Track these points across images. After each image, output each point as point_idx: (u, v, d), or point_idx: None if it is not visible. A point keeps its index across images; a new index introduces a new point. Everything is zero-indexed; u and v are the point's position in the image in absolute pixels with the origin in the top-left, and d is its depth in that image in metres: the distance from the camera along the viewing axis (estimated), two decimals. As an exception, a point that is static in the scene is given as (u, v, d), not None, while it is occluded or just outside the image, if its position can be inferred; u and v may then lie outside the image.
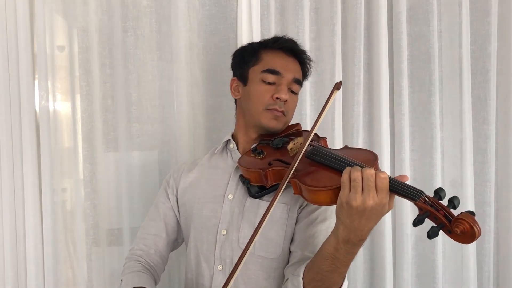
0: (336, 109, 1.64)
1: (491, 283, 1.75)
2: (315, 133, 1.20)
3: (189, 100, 1.67)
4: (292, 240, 1.14)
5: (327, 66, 1.66)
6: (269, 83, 1.19)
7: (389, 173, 1.63)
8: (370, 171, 0.85)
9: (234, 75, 1.30)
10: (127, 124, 1.64)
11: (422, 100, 1.70)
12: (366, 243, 1.71)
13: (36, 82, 1.58)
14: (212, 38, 1.67)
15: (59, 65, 1.62)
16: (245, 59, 1.25)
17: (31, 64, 1.57)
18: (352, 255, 0.92)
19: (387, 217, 1.65)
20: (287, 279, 1.07)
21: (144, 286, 1.12)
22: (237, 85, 1.27)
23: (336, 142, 1.64)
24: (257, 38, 1.62)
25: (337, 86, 1.11)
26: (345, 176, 0.87)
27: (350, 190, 0.86)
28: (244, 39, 1.60)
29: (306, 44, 1.64)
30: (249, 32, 1.61)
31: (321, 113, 1.06)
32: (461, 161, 1.70)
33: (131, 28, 1.63)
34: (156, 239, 1.27)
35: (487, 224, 1.73)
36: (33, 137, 1.57)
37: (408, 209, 1.67)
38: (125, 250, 1.62)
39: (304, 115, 1.64)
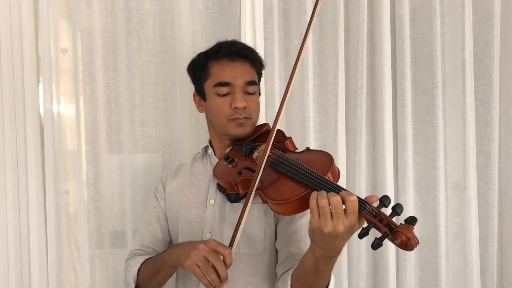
0: (339, 112, 1.65)
1: (495, 286, 1.74)
2: (282, 133, 1.23)
3: (192, 103, 1.65)
4: (276, 239, 1.19)
5: (330, 69, 1.66)
6: (224, 95, 1.21)
7: (392, 176, 1.65)
8: (337, 198, 0.85)
9: (194, 89, 1.33)
10: (131, 127, 1.65)
11: (425, 102, 1.70)
12: (369, 246, 1.70)
13: (41, 84, 1.59)
14: (215, 41, 1.62)
15: (63, 68, 1.63)
16: (197, 75, 1.28)
17: (35, 66, 1.58)
18: (332, 263, 0.96)
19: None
20: (278, 285, 1.13)
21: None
22: (199, 99, 1.31)
23: (339, 145, 1.64)
24: (260, 41, 1.62)
25: None
26: (312, 202, 0.88)
27: (319, 217, 0.86)
28: (247, 42, 1.60)
29: (309, 47, 1.64)
30: (252, 35, 1.61)
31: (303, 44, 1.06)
32: (464, 163, 1.69)
33: (134, 31, 1.64)
34: (152, 240, 1.31)
35: (490, 227, 1.72)
36: (37, 140, 1.58)
37: (411, 211, 1.67)
38: (129, 252, 1.62)
39: (307, 118, 1.64)
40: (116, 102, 1.64)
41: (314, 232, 0.88)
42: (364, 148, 1.68)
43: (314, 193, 0.89)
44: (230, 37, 1.64)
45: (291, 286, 1.04)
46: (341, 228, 0.85)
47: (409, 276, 1.67)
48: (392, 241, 0.85)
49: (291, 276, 1.04)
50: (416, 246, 0.83)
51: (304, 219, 1.14)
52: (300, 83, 1.64)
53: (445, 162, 1.72)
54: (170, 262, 1.09)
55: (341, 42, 1.64)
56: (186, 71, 1.34)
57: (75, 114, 1.62)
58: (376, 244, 0.85)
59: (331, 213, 0.85)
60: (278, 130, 1.21)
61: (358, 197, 0.87)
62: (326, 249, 0.89)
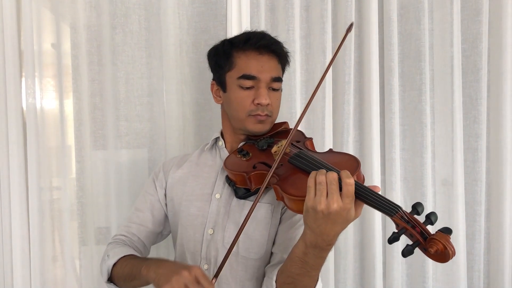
0: (326, 108, 1.63)
1: (481, 282, 1.75)
2: (302, 134, 1.20)
3: (178, 98, 1.65)
4: (274, 241, 1.14)
5: (317, 64, 1.65)
6: (248, 88, 1.17)
7: (379, 173, 1.65)
8: (333, 175, 0.84)
9: (213, 77, 1.28)
10: (116, 122, 1.62)
11: (413, 99, 1.70)
12: (357, 242, 1.71)
13: (23, 79, 1.56)
14: (201, 35, 1.65)
15: (47, 62, 1.60)
16: (219, 63, 1.22)
17: (17, 61, 1.54)
18: (321, 259, 0.92)
19: (377, 216, 1.65)
20: (264, 281, 1.08)
21: (134, 254, 1.15)
22: (217, 89, 1.25)
23: (326, 141, 1.63)
24: (247, 36, 1.60)
25: (350, 28, 1.11)
26: (311, 180, 0.86)
27: (315, 194, 0.85)
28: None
29: (296, 42, 1.63)
30: (239, 30, 1.59)
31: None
32: (452, 160, 1.69)
33: (119, 25, 1.62)
34: (140, 228, 1.26)
35: (477, 224, 1.72)
36: (20, 136, 1.55)
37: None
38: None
39: (294, 113, 1.63)
40: (100, 97, 1.62)
41: (308, 212, 0.86)
42: (351, 144, 1.67)
43: (313, 172, 0.87)
44: (216, 32, 1.64)
45: (276, 281, 1.01)
46: (334, 205, 0.83)
47: (396, 272, 1.66)
48: (425, 250, 0.81)
49: (279, 270, 1.01)
50: (451, 257, 0.79)
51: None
52: (287, 79, 1.62)
53: (433, 158, 1.72)
54: (147, 277, 1.01)
55: (328, 37, 1.63)
56: (206, 57, 1.28)
57: (59, 109, 1.59)
58: (407, 251, 0.81)
59: (327, 191, 0.84)
60: (298, 130, 1.18)
61: (392, 202, 0.84)
62: (317, 234, 0.87)
